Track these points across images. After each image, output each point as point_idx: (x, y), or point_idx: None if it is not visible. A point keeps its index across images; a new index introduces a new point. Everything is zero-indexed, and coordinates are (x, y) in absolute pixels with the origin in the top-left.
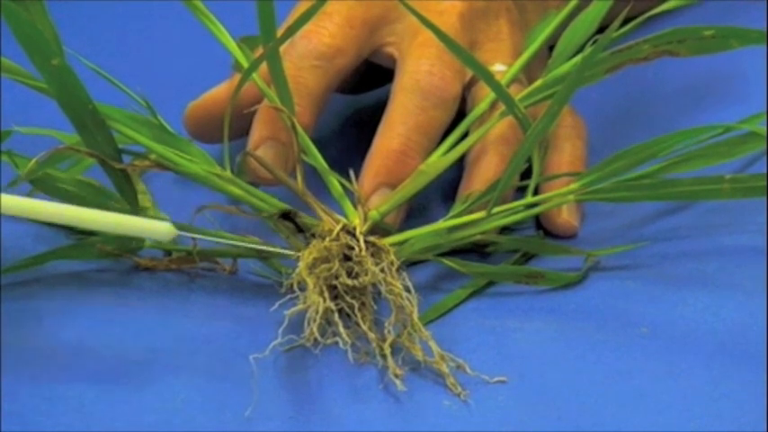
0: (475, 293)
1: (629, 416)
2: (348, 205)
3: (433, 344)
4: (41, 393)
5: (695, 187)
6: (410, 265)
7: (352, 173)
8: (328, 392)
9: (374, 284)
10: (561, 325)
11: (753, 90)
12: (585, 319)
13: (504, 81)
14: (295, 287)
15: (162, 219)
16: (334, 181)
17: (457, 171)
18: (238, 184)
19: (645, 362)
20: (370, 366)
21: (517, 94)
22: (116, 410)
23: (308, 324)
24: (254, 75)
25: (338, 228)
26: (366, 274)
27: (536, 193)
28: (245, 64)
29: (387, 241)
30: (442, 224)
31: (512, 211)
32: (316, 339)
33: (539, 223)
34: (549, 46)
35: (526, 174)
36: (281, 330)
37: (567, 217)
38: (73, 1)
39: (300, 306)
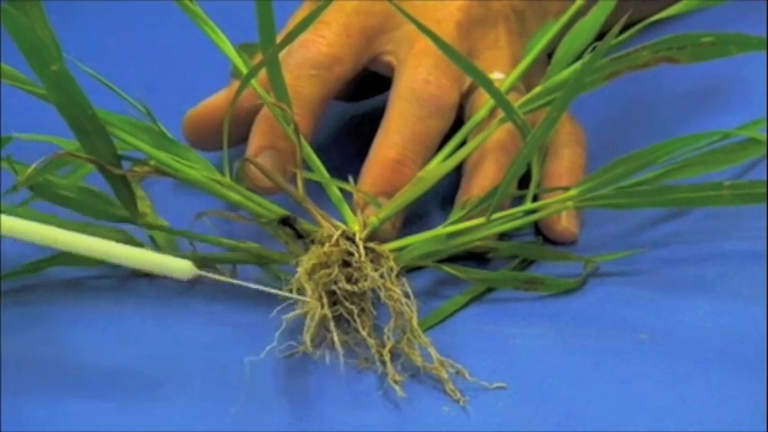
0: (474, 299)
1: (629, 422)
2: (347, 211)
3: (432, 350)
4: (41, 399)
5: (694, 194)
6: (409, 270)
7: (351, 179)
8: (328, 398)
9: (373, 290)
10: (560, 331)
11: (752, 96)
12: (585, 325)
13: (502, 89)
14: (294, 293)
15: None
16: (333, 187)
17: (456, 178)
18: (238, 191)
19: (644, 368)
20: (369, 372)
21: (515, 101)
22: (115, 418)
23: (308, 330)
24: (253, 81)
25: (337, 233)
26: (365, 280)
27: (535, 199)
28: (244, 70)
29: (386, 247)
30: (441, 230)
31: (511, 218)
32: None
33: (538, 230)
34: (548, 53)
35: (525, 182)
36: (280, 336)
37: (566, 223)
38: (73, 5)
39: (299, 311)
